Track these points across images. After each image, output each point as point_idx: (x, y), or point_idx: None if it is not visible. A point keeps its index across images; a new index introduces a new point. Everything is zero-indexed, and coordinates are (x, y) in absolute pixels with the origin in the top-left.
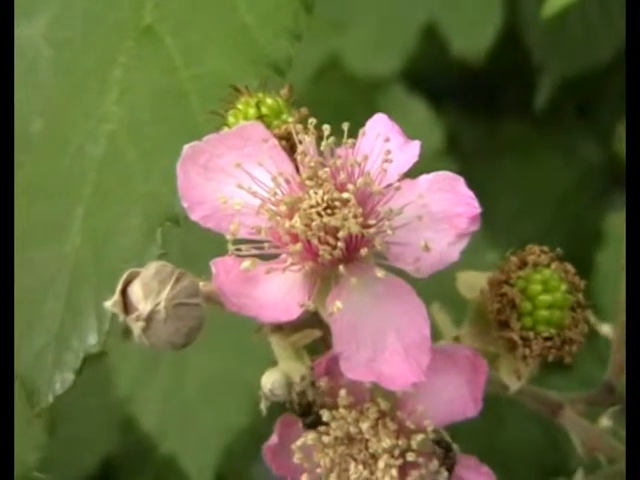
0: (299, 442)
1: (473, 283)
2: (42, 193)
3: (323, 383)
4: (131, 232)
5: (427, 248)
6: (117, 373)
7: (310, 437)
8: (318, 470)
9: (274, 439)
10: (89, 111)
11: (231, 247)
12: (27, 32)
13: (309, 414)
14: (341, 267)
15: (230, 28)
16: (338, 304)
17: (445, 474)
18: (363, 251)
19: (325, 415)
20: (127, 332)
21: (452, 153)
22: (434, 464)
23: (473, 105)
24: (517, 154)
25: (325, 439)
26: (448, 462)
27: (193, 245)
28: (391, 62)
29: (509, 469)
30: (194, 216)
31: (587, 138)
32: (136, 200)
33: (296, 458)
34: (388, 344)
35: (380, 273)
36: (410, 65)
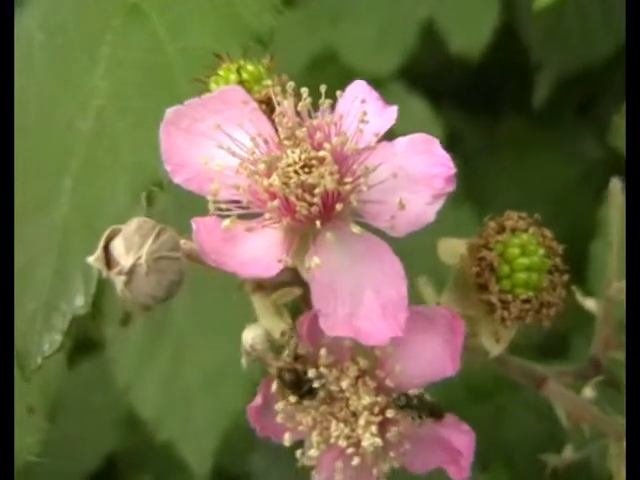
0: (282, 402)
1: (454, 250)
2: (33, 168)
3: (305, 346)
4: (117, 199)
5: (402, 205)
6: (116, 363)
7: (292, 397)
8: (300, 428)
9: (258, 400)
10: (78, 88)
11: (212, 207)
12: (23, 22)
13: (302, 383)
14: (318, 223)
15: (215, 3)
16: (316, 260)
17: (423, 420)
18: (339, 206)
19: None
20: (126, 320)
21: (452, 151)
22: (412, 415)
23: (472, 103)
24: (516, 151)
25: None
26: (424, 409)
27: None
28: (391, 59)
29: (510, 461)
30: (177, 179)
31: (586, 135)
32: (123, 169)
33: (279, 418)
34: (366, 301)
35: (356, 229)
36: (409, 63)
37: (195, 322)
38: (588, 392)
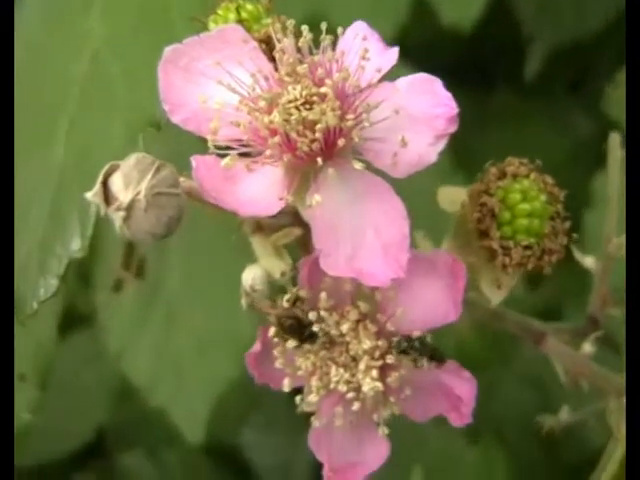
0: (281, 347)
1: (454, 198)
2: (29, 110)
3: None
4: (114, 140)
5: (404, 143)
6: (107, 330)
7: (291, 342)
8: (299, 374)
9: (257, 346)
10: (73, 31)
11: (211, 146)
12: None
13: (302, 329)
14: (319, 160)
15: None
16: (317, 197)
17: (424, 364)
18: (341, 142)
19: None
20: (117, 286)
21: None
22: (413, 359)
23: (464, 76)
24: (508, 124)
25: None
26: (425, 353)
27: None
28: (383, 30)
29: (501, 434)
30: (175, 119)
31: (578, 108)
32: (119, 111)
33: (278, 363)
34: (367, 242)
35: (358, 165)
36: (401, 35)
37: (188, 288)
38: (587, 348)
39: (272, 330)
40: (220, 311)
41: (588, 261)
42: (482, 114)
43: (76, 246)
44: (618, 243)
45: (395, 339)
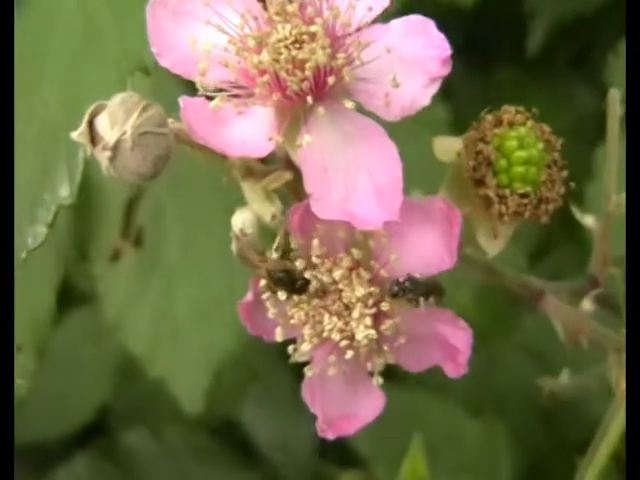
0: (272, 298)
1: (450, 147)
2: (16, 57)
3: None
4: (103, 84)
5: (396, 83)
6: (105, 300)
7: (282, 294)
8: (292, 323)
9: (249, 297)
10: None
11: (200, 88)
12: None
13: (294, 281)
14: (309, 99)
15: None
16: (307, 137)
17: (421, 303)
18: (331, 79)
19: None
20: (115, 256)
21: (445, 99)
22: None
23: (465, 50)
24: (510, 100)
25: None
26: (420, 290)
27: None
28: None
29: (502, 408)
30: (163, 62)
31: (580, 84)
32: (108, 56)
33: (270, 314)
34: (360, 185)
35: (349, 104)
36: (402, 12)
37: (186, 257)
38: (587, 305)
39: (262, 283)
40: (219, 281)
41: (588, 220)
42: (484, 89)
43: (65, 193)
44: (618, 201)
45: (387, 285)
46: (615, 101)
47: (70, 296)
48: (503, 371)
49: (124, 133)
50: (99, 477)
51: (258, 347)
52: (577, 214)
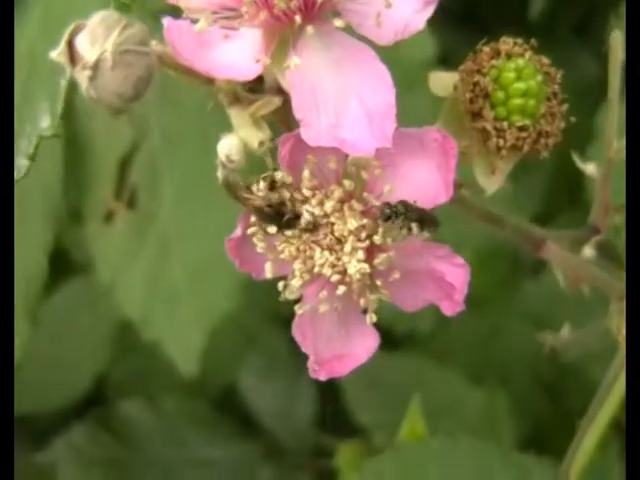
0: (261, 233)
1: (446, 82)
2: None
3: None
4: (85, 6)
5: (388, 3)
6: (99, 262)
7: (271, 229)
8: (282, 257)
9: (238, 232)
10: None
11: (185, 9)
12: None
13: (282, 215)
14: (298, 18)
15: None
16: (296, 59)
17: (414, 230)
18: None
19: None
20: (109, 217)
21: (445, 66)
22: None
23: (467, 17)
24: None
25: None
26: (412, 216)
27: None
28: None
29: (505, 377)
30: None
31: (582, 49)
32: None
33: (259, 248)
34: (350, 110)
35: (339, 22)
36: None
37: (181, 217)
38: (588, 251)
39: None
40: (216, 240)
41: (589, 168)
42: None
43: (45, 124)
44: (619, 147)
45: (378, 210)
46: (618, 44)
47: (66, 265)
48: (504, 337)
49: (104, 51)
50: (97, 447)
51: (256, 311)
52: (578, 162)
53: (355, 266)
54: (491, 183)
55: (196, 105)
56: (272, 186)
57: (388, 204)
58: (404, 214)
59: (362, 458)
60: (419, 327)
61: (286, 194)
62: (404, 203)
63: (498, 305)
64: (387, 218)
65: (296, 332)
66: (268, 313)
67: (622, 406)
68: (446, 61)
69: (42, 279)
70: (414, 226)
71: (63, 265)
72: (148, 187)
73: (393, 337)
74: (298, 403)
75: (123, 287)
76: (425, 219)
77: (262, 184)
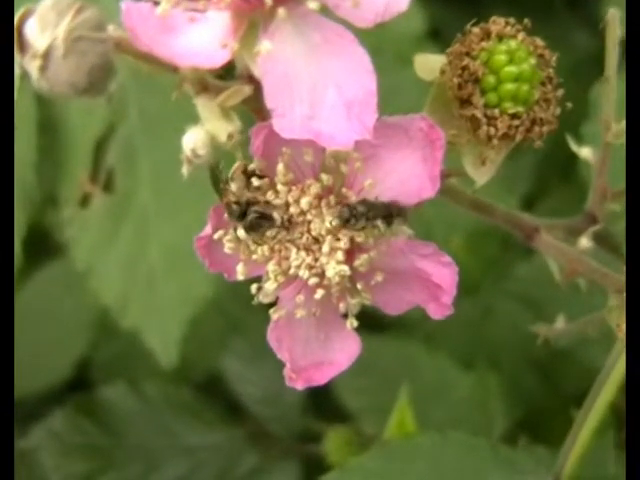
0: (228, 235)
1: (432, 65)
2: None
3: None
4: None
5: None
6: (74, 247)
7: (239, 230)
8: (255, 258)
9: (207, 230)
10: None
11: None
12: None
13: (247, 212)
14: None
15: None
16: (267, 44)
17: (380, 228)
18: None
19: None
20: (85, 201)
21: (436, 42)
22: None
23: None
24: None
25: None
26: (377, 213)
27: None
28: None
29: (495, 360)
30: None
31: (577, 24)
32: None
33: (227, 248)
34: (327, 99)
35: (312, 4)
36: None
37: (160, 201)
38: (584, 242)
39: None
40: (197, 225)
41: (585, 152)
42: None
43: None
44: (618, 130)
45: (336, 212)
46: (615, 21)
47: (45, 247)
48: (496, 320)
49: (55, 39)
50: (77, 434)
51: (239, 296)
52: (573, 146)
53: (334, 268)
54: (481, 174)
55: (176, 83)
56: (245, 180)
57: (347, 205)
58: (364, 214)
59: (350, 443)
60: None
61: (259, 191)
62: (364, 202)
63: (489, 286)
64: (346, 221)
65: (271, 338)
66: (251, 295)
67: (619, 390)
68: (435, 33)
69: (16, 265)
70: (379, 224)
71: (43, 247)
72: (125, 169)
73: (382, 320)
74: (285, 388)
75: (99, 273)
76: (392, 213)
77: (236, 176)
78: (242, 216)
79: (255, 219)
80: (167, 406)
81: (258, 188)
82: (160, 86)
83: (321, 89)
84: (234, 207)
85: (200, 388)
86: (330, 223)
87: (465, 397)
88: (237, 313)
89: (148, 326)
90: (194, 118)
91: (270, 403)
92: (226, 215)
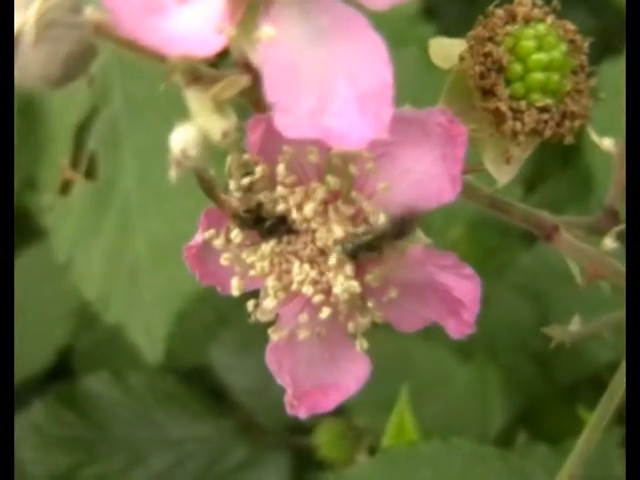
0: (224, 240)
1: (450, 51)
2: None
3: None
4: None
5: None
6: (54, 236)
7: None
8: (252, 273)
9: (197, 239)
10: None
11: None
12: None
13: (262, 219)
14: None
15: None
16: (268, 28)
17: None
18: None
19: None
20: (65, 188)
21: (431, 22)
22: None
23: None
24: None
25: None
26: (383, 241)
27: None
28: None
29: (495, 352)
30: None
31: (578, 5)
32: None
33: (223, 260)
34: (338, 92)
35: None
36: None
37: (144, 189)
38: (609, 243)
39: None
40: (183, 214)
41: (606, 142)
42: (470, 11)
43: None
44: None
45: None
46: None
47: (26, 231)
48: (496, 311)
49: (24, 23)
50: (58, 426)
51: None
52: (593, 136)
53: (342, 284)
54: (504, 173)
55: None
56: (244, 184)
57: (352, 236)
58: (372, 244)
59: (342, 437)
60: None
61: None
62: (369, 231)
63: (490, 276)
64: (353, 257)
65: (270, 359)
66: None
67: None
68: (431, 12)
69: None
70: (391, 245)
71: (22, 229)
72: (108, 155)
73: None
74: (274, 379)
75: (81, 265)
76: (405, 229)
77: (236, 178)
78: (257, 222)
79: (274, 224)
80: (152, 397)
81: (250, 188)
82: (146, 67)
83: (331, 80)
84: (245, 215)
85: (186, 378)
86: (338, 233)
87: (463, 390)
88: (225, 307)
89: (132, 322)
90: (183, 101)
91: (259, 394)
92: (234, 226)
